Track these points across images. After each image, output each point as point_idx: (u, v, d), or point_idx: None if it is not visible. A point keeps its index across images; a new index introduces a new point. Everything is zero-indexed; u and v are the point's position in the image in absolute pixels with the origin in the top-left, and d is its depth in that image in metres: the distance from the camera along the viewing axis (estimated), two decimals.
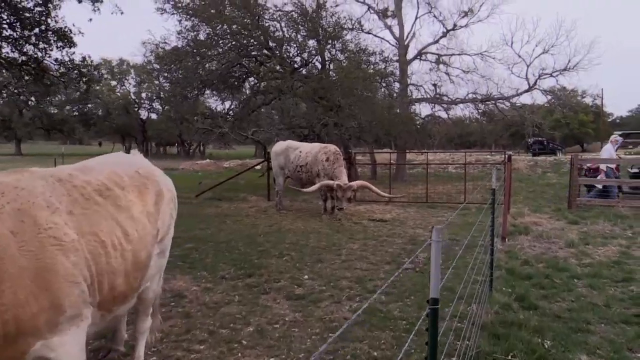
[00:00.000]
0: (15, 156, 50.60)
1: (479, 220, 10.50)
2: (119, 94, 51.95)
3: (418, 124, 23.01)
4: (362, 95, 15.95)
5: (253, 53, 18.75)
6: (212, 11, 17.36)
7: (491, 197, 5.82)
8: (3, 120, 57.29)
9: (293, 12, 18.18)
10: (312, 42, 18.04)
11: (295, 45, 17.42)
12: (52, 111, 59.25)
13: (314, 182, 12.18)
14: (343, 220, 11.24)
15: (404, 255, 7.98)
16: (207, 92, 19.87)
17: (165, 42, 19.39)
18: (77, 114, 59.87)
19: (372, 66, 18.10)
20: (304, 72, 18.65)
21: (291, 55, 18.23)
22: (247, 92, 19.09)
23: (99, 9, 12.87)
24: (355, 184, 11.32)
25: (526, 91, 22.09)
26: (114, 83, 55.91)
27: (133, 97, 52.62)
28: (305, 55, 17.98)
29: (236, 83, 18.58)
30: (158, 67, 20.29)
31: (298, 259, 7.85)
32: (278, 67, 18.00)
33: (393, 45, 23.43)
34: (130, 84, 53.40)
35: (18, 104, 56.33)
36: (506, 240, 8.82)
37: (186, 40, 18.49)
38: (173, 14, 18.64)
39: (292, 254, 8.19)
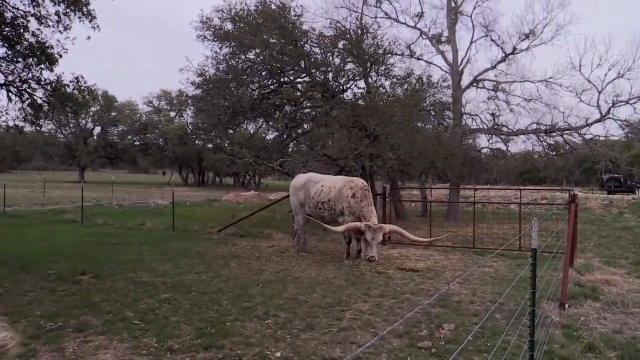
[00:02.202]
0: (77, 183, 51.92)
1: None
2: (176, 124, 52.64)
3: (473, 157, 20.76)
4: (403, 124, 14.15)
5: (289, 79, 17.47)
6: (252, 37, 16.27)
7: (531, 262, 3.86)
8: (69, 148, 59.50)
9: (332, 35, 16.79)
10: (350, 66, 16.55)
11: (331, 70, 15.93)
12: (115, 140, 61.05)
13: (337, 221, 10.45)
14: (365, 269, 9.37)
15: (424, 326, 6.04)
16: (241, 120, 18.69)
17: (204, 69, 18.52)
18: (137, 143, 61.35)
19: (415, 92, 16.31)
20: (344, 98, 17.11)
21: (329, 80, 16.75)
22: (284, 121, 17.69)
23: (97, 26, 11.92)
24: (388, 227, 9.48)
25: (597, 121, 19.40)
26: (172, 114, 56.89)
27: (190, 127, 53.17)
28: (342, 80, 16.47)
29: (271, 110, 17.30)
30: (194, 94, 19.35)
31: (284, 323, 6.11)
32: (315, 94, 16.61)
33: (446, 72, 21.55)
34: (187, 114, 54.04)
35: (82, 133, 58.45)
36: (566, 307, 6.67)
37: (225, 68, 17.48)
38: (214, 41, 17.76)
39: (280, 314, 6.45)
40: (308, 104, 17.18)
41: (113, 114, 60.62)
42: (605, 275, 8.65)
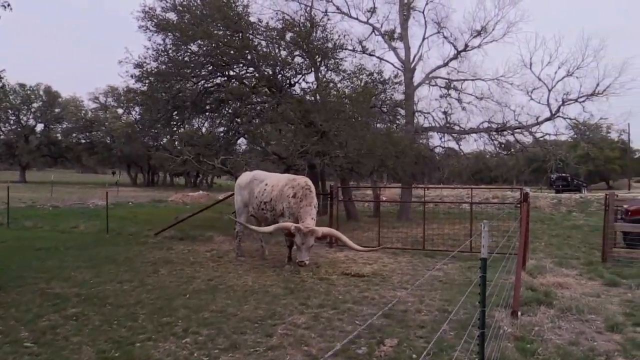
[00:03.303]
0: (17, 183, 49.01)
1: (488, 282, 7.87)
2: (123, 121, 50.40)
3: (425, 156, 20.38)
4: (351, 120, 13.49)
5: (235, 73, 16.56)
6: (195, 28, 15.26)
7: (480, 273, 3.22)
8: (9, 146, 56.33)
9: (280, 27, 15.98)
10: (298, 60, 15.78)
11: (278, 63, 15.11)
12: (58, 138, 58.17)
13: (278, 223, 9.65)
14: (306, 275, 8.64)
15: (363, 341, 5.35)
16: (185, 116, 17.60)
17: (145, 61, 17.31)
18: (83, 141, 58.60)
19: (366, 88, 15.68)
20: (292, 93, 16.32)
21: (276, 73, 15.93)
22: (228, 117, 16.71)
23: (9, 5, 10.67)
24: (321, 230, 8.65)
25: (548, 119, 19.37)
26: (120, 111, 54.46)
27: (139, 125, 51.12)
28: (289, 74, 15.68)
29: (214, 106, 16.30)
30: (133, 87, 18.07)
31: (204, 342, 5.31)
32: (261, 88, 15.78)
33: (398, 69, 21.10)
34: (136, 111, 51.78)
35: (23, 130, 55.51)
36: (519, 315, 6.13)
37: (166, 60, 16.37)
38: (156, 32, 16.63)
39: (203, 331, 5.64)
40: (255, 99, 16.30)
41: (57, 110, 57.68)
42: (558, 278, 8.22)
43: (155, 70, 16.35)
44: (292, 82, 15.98)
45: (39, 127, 59.08)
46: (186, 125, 20.03)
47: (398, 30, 21.73)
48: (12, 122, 57.52)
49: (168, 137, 17.56)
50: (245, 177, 10.92)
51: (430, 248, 11.84)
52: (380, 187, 23.58)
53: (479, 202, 20.95)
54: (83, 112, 57.96)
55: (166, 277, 8.60)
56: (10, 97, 55.97)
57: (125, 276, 8.59)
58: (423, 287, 7.92)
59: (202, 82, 16.36)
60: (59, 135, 58.92)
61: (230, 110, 16.07)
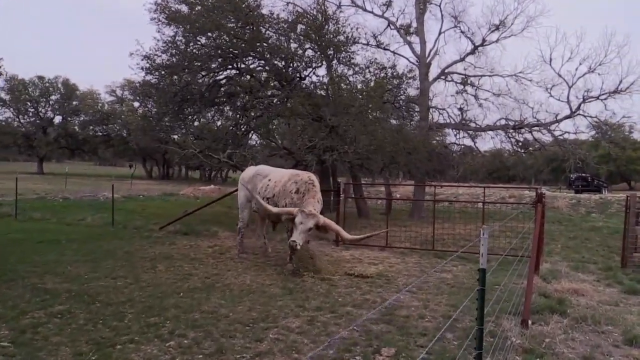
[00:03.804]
0: (34, 174, 49.43)
1: (497, 286, 7.47)
2: (138, 114, 50.46)
3: (439, 153, 19.87)
4: (361, 115, 13.07)
5: (245, 65, 16.24)
6: (205, 20, 14.97)
7: (479, 287, 2.82)
8: (27, 138, 56.85)
9: (291, 19, 15.61)
10: (309, 53, 15.40)
11: (289, 56, 14.73)
12: (76, 130, 58.50)
13: (281, 220, 9.29)
14: (307, 274, 8.27)
15: (359, 350, 4.99)
16: (196, 109, 17.35)
17: (156, 54, 17.09)
18: (100, 134, 58.86)
19: (378, 81, 15.24)
20: (302, 86, 15.94)
21: (287, 66, 15.57)
22: (237, 110, 16.39)
23: None
24: (323, 218, 8.23)
25: (567, 117, 18.71)
26: (137, 104, 54.50)
27: (148, 118, 51.16)
28: (299, 66, 15.29)
29: (224, 99, 16.01)
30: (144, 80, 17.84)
31: (190, 346, 4.99)
32: (272, 82, 15.44)
33: (413, 63, 20.59)
34: (152, 105, 51.78)
35: (42, 122, 55.97)
36: (529, 325, 5.70)
37: (175, 52, 16.13)
38: (167, 24, 16.39)
39: (189, 334, 5.33)
40: (264, 93, 15.97)
41: (74, 103, 57.99)
42: (573, 284, 7.75)
43: (167, 62, 16.14)
44: (303, 76, 15.60)
45: (57, 119, 59.53)
46: (201, 119, 19.85)
47: (414, 24, 21.21)
48: (30, 114, 57.99)
49: (180, 130, 17.30)
50: (248, 171, 10.59)
51: (440, 248, 11.42)
52: (391, 184, 23.06)
53: (492, 202, 20.34)
54: (100, 104, 58.21)
55: (163, 273, 8.31)
56: (29, 90, 56.48)
57: (121, 272, 8.33)
58: (429, 290, 7.53)
59: (212, 75, 16.07)
60: (76, 127, 59.24)
61: (239, 104, 15.74)
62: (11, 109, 57.12)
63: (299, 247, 8.05)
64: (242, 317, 5.97)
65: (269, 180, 9.83)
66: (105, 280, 7.74)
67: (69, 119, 59.24)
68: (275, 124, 14.63)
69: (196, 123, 19.49)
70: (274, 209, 8.66)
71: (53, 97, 58.22)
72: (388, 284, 7.93)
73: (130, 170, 61.57)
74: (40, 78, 56.70)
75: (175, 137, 20.78)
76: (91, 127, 58.49)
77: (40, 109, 58.10)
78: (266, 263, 9.50)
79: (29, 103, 57.05)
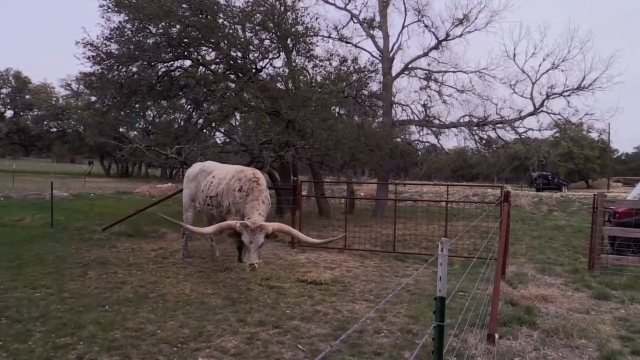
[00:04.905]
0: None
1: (459, 291, 6.85)
2: (93, 110, 48.34)
3: (402, 150, 19.33)
4: (319, 108, 12.33)
5: (199, 56, 15.29)
6: (154, 6, 13.97)
7: (435, 322, 2.12)
8: None
9: (248, 8, 14.75)
10: (267, 43, 14.56)
11: (244, 46, 13.87)
12: (28, 125, 55.84)
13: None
14: (254, 282, 7.50)
15: None
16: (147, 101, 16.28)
17: (104, 43, 15.93)
18: (54, 130, 56.35)
19: (338, 74, 14.55)
20: (260, 78, 15.09)
21: (245, 57, 14.71)
22: (188, 103, 15.44)
23: None
24: (271, 225, 7.43)
25: (531, 114, 18.44)
26: (93, 98, 52.39)
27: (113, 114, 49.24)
28: (256, 57, 14.46)
29: (173, 92, 15.00)
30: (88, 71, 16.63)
31: None
32: (229, 74, 14.54)
33: (376, 57, 19.99)
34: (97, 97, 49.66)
35: None
36: (496, 339, 5.07)
37: (122, 40, 15.03)
38: (118, 12, 15.27)
39: (102, 359, 4.48)
40: (219, 86, 15.07)
41: (27, 97, 55.33)
42: (541, 289, 7.20)
43: (116, 52, 15.06)
44: (259, 67, 14.75)
45: (9, 114, 56.78)
46: (151, 113, 18.76)
47: (377, 18, 20.61)
48: None
49: (131, 124, 16.31)
50: (193, 168, 9.71)
51: (401, 250, 10.78)
52: (350, 182, 22.39)
53: (455, 201, 19.92)
54: (54, 99, 55.69)
55: (92, 282, 7.38)
56: None
57: (44, 280, 7.36)
58: (387, 298, 6.85)
59: (163, 65, 15.09)
60: (29, 122, 56.53)
61: (191, 97, 14.77)
62: None
63: (257, 267, 7.20)
64: (170, 335, 5.16)
65: (213, 177, 8.96)
66: (23, 290, 6.78)
67: (21, 113, 56.54)
68: (237, 119, 13.75)
69: (148, 117, 18.43)
70: (209, 229, 7.72)
71: (4, 91, 55.48)
72: (343, 292, 7.21)
73: (88, 168, 59.36)
74: None
75: (123, 131, 19.67)
76: (45, 123, 55.89)
77: None
78: (212, 268, 8.66)
79: None
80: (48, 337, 5.03)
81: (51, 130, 56.74)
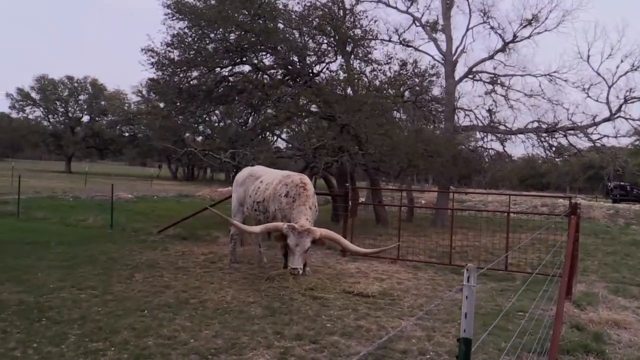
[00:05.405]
0: (61, 173, 49.68)
1: (521, 312, 6.25)
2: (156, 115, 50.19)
3: (466, 157, 18.52)
4: (375, 113, 11.93)
5: (257, 61, 15.32)
6: (214, 12, 14.16)
7: (460, 357, 1.71)
8: (56, 137, 57.42)
9: (305, 12, 14.63)
10: (324, 47, 14.37)
11: (300, 49, 13.73)
12: (103, 129, 58.84)
13: None
14: (297, 291, 7.20)
15: None
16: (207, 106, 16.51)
17: (168, 50, 16.32)
18: (126, 134, 59.14)
19: (396, 78, 14.09)
20: (316, 83, 14.91)
21: (303, 61, 14.59)
22: (244, 108, 15.48)
23: None
24: (319, 231, 7.13)
25: (607, 119, 17.15)
26: (162, 104, 54.49)
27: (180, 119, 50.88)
28: (312, 61, 14.28)
29: (231, 97, 15.09)
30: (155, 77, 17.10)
31: None
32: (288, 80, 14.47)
33: (438, 61, 19.32)
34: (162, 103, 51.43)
35: (70, 122, 56.44)
36: None
37: (184, 47, 15.33)
38: (181, 19, 15.62)
39: None
40: (277, 91, 15.03)
41: (102, 103, 58.43)
42: (613, 313, 6.46)
43: (177, 58, 15.39)
44: (316, 71, 14.56)
45: (85, 119, 60.10)
46: (211, 117, 19.05)
47: (441, 21, 19.95)
48: (60, 113, 58.62)
49: (193, 129, 16.61)
50: (242, 173, 9.60)
51: (457, 263, 10.16)
52: (409, 190, 21.73)
53: (516, 212, 18.74)
54: (127, 105, 58.43)
55: (137, 284, 7.35)
56: (59, 89, 57.15)
57: (92, 281, 7.41)
58: (439, 315, 6.37)
59: (219, 70, 15.24)
60: (104, 127, 59.62)
61: (247, 102, 14.80)
62: (41, 108, 57.86)
63: (300, 272, 7.01)
64: (203, 345, 4.94)
65: (261, 182, 8.80)
66: (69, 291, 6.83)
67: (96, 118, 59.69)
68: (297, 123, 13.64)
69: (212, 123, 18.73)
70: (256, 229, 7.55)
71: (82, 97, 58.78)
72: (391, 306, 6.78)
73: (157, 171, 61.70)
74: (70, 78, 57.39)
75: (188, 135, 20.02)
76: (118, 127, 58.76)
77: (69, 109, 58.69)
78: (257, 275, 8.45)
79: (58, 102, 57.66)
80: (82, 341, 4.95)
81: (123, 134, 59.54)
